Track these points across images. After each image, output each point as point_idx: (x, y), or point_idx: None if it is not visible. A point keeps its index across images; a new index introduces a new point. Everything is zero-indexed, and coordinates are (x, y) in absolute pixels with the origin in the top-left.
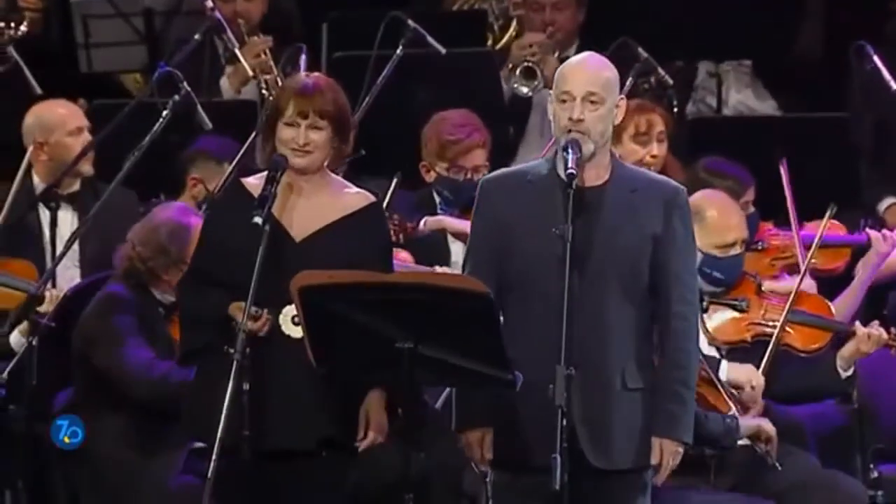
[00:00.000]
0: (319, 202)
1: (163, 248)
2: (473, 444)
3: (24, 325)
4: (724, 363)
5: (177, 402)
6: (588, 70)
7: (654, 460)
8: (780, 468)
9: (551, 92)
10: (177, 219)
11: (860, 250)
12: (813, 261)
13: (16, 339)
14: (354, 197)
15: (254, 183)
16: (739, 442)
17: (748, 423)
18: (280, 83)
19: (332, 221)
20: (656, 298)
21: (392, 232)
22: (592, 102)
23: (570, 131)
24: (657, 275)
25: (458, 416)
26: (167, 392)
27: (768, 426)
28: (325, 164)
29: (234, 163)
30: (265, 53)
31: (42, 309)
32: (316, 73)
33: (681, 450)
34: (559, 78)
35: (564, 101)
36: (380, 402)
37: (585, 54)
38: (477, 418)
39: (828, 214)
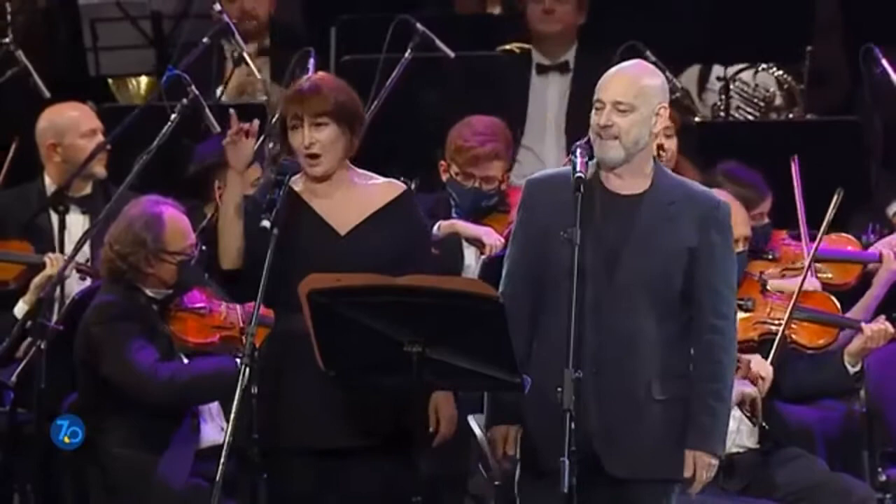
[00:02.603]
0: (352, 195)
1: (139, 239)
2: (497, 440)
3: (29, 297)
4: None
5: (185, 402)
6: (621, 80)
7: (687, 473)
8: (766, 427)
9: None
10: (149, 210)
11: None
12: (828, 276)
13: (20, 308)
14: (384, 187)
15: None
16: (748, 445)
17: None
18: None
19: (373, 213)
20: (692, 311)
21: None
22: (621, 111)
23: (599, 136)
24: (693, 287)
25: (488, 414)
26: (175, 393)
27: (747, 389)
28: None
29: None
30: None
31: (47, 273)
32: (319, 74)
33: (714, 462)
34: (598, 84)
35: (598, 109)
36: (448, 395)
37: (626, 63)
38: (506, 415)
39: (835, 200)
